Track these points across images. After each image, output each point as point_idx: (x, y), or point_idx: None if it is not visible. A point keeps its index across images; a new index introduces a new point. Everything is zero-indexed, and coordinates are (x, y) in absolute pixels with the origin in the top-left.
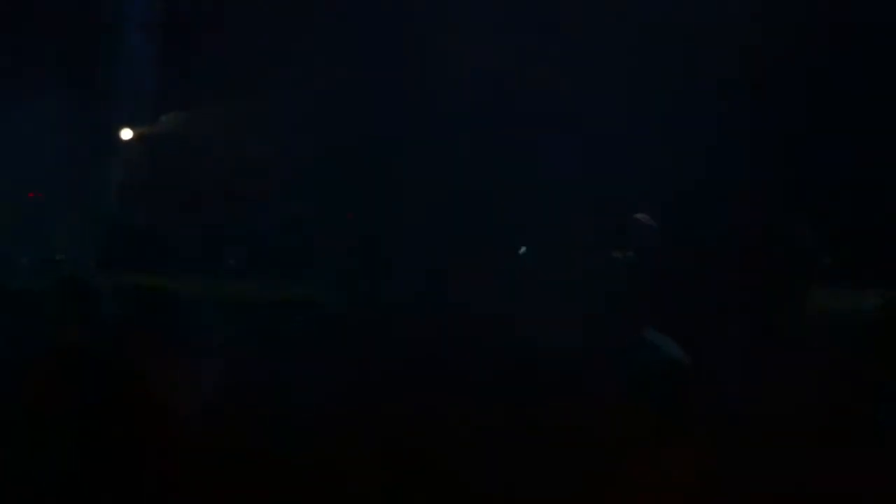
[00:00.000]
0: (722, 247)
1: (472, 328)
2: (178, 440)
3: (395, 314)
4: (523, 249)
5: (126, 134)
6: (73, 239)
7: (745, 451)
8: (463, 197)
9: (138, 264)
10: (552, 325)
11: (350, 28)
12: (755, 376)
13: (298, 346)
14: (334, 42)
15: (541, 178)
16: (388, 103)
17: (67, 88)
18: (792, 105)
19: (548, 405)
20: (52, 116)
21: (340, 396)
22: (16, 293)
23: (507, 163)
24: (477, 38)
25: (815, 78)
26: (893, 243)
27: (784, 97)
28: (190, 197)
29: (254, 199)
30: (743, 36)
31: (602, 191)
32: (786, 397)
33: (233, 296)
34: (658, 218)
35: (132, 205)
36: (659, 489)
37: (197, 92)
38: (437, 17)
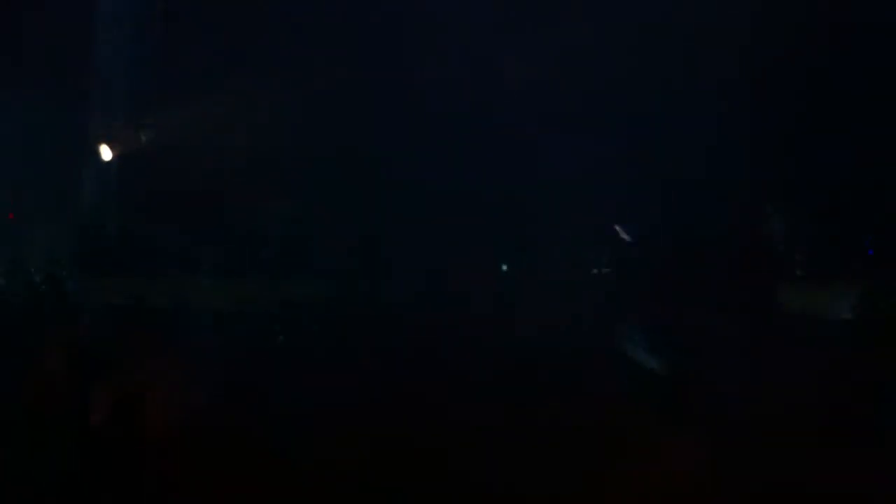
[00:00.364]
0: (699, 248)
1: (455, 333)
2: (157, 442)
3: (387, 316)
4: (505, 267)
5: (107, 139)
6: (54, 247)
7: (716, 449)
8: (451, 205)
9: (126, 270)
10: (522, 336)
11: (337, 29)
12: (732, 376)
13: (285, 351)
14: (324, 44)
15: (516, 192)
16: (379, 109)
17: (47, 95)
18: (766, 107)
19: (519, 409)
20: (30, 123)
21: (331, 399)
22: None
23: (492, 172)
24: (467, 47)
25: (790, 80)
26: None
27: (755, 100)
28: (176, 201)
29: (241, 202)
30: (720, 43)
31: (582, 199)
32: (767, 397)
33: (220, 299)
34: (633, 226)
35: (118, 210)
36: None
37: (180, 95)
38: (426, 22)
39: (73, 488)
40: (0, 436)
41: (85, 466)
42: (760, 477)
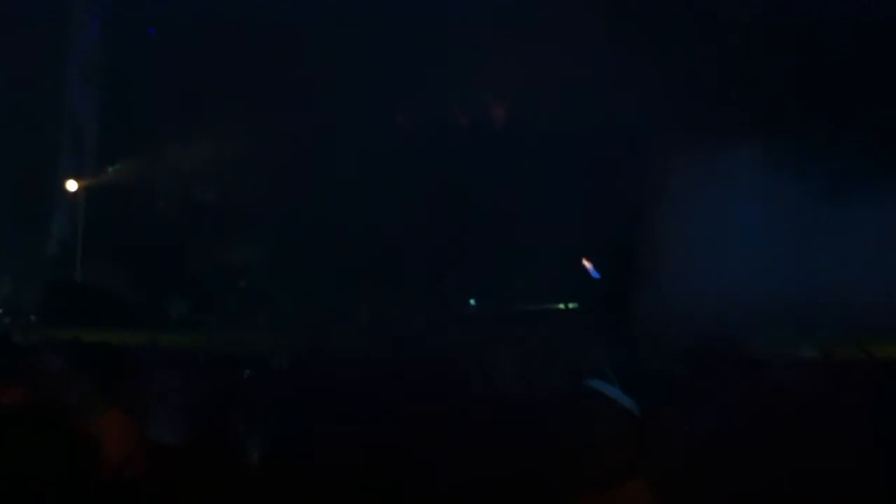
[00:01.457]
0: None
1: (423, 376)
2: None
3: (340, 368)
4: (473, 301)
5: (70, 186)
6: (13, 294)
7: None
8: (414, 250)
9: (85, 319)
10: (498, 376)
11: (305, 86)
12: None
13: (237, 402)
14: (294, 95)
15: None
16: (336, 155)
17: (10, 141)
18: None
19: (495, 453)
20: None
21: (284, 453)
22: None
23: (458, 218)
24: (416, 95)
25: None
26: None
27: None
28: (136, 249)
29: (200, 249)
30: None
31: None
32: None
33: (175, 349)
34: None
35: (77, 259)
36: None
37: (142, 144)
38: (366, 70)
39: None
40: None
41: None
42: None
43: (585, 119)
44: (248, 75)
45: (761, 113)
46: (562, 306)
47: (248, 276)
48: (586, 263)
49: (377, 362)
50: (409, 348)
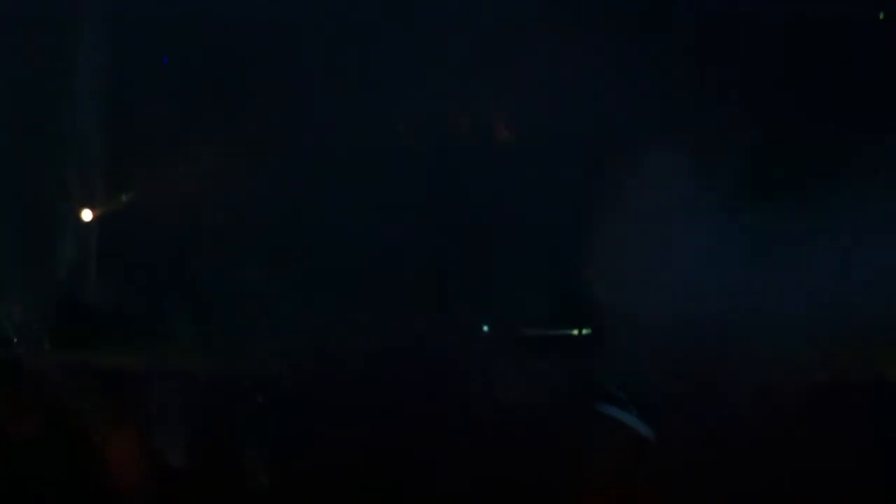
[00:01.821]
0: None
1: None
2: None
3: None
4: (486, 328)
5: (79, 207)
6: (21, 316)
7: None
8: (419, 263)
9: (93, 340)
10: (506, 395)
11: (301, 87)
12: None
13: (244, 424)
14: (287, 100)
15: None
16: (327, 169)
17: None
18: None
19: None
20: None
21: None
22: None
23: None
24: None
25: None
26: None
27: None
28: (144, 267)
29: (206, 266)
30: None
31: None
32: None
33: (182, 370)
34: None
35: (85, 280)
36: None
37: (149, 158)
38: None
39: None
40: None
41: None
42: None
43: (593, 134)
44: (251, 82)
45: (752, 119)
46: (575, 332)
47: (257, 294)
48: (595, 290)
49: (381, 375)
50: (414, 362)
